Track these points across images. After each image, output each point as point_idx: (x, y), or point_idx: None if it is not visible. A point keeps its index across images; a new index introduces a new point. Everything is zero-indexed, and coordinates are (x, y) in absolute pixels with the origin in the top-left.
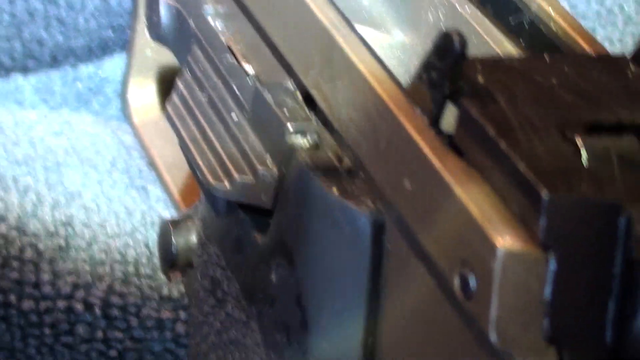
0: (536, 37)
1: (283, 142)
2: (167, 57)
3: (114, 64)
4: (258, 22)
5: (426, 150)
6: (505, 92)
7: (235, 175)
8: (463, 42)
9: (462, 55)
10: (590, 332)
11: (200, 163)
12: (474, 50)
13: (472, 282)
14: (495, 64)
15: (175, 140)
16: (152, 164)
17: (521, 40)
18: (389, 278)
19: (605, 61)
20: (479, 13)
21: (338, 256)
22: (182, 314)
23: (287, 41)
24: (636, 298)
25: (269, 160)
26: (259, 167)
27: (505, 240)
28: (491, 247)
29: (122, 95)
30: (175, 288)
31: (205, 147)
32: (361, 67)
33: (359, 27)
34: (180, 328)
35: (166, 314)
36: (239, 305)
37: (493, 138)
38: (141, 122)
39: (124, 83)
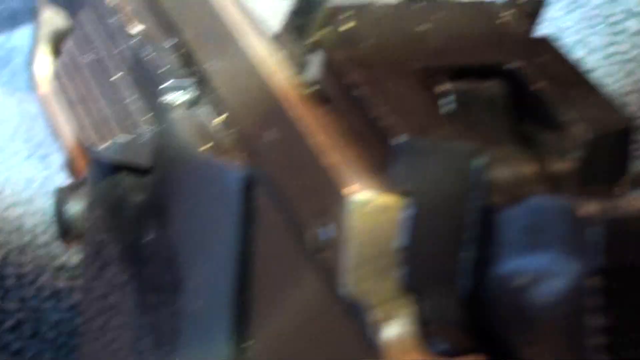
0: None
1: (161, 100)
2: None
3: (22, 35)
4: None
5: (286, 99)
6: (370, 38)
7: (115, 134)
8: None
9: (325, 1)
10: (447, 279)
11: (84, 122)
12: None
13: (327, 232)
14: (362, 11)
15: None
16: (55, 134)
17: None
18: (259, 233)
19: (478, 7)
20: None
21: (210, 214)
22: (78, 283)
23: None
24: (490, 245)
25: (148, 119)
26: (137, 126)
27: (357, 188)
28: (343, 195)
29: (29, 65)
30: (71, 257)
31: (90, 106)
32: (228, 16)
33: None
34: (77, 297)
35: (62, 283)
36: (119, 268)
37: (351, 85)
38: (46, 91)
39: (31, 53)
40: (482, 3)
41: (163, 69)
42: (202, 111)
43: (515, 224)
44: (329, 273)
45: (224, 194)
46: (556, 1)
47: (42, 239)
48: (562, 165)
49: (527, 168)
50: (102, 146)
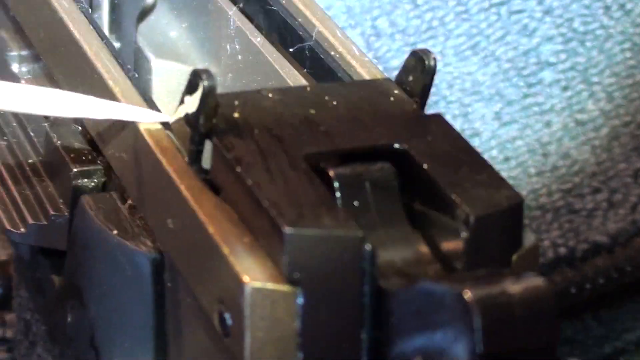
0: (316, 64)
1: (70, 185)
2: None
3: None
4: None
5: (182, 189)
6: (259, 126)
7: (29, 219)
8: (211, 79)
9: (210, 92)
10: None
11: None
12: (266, 80)
13: (228, 319)
14: (252, 99)
15: None
16: None
17: (305, 68)
18: (171, 314)
19: (371, 86)
20: (267, 43)
21: (124, 295)
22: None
23: (68, 82)
24: (387, 326)
25: (61, 204)
26: (51, 211)
27: (252, 276)
28: (239, 283)
29: None
30: (9, 330)
31: (2, 192)
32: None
33: (166, 63)
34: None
35: (0, 355)
36: (45, 346)
37: (241, 175)
38: None
39: None
40: (375, 81)
41: (71, 154)
42: (111, 196)
43: (406, 307)
44: (235, 356)
45: (135, 276)
46: (471, 55)
47: None
48: (451, 245)
49: (418, 249)
50: (19, 232)
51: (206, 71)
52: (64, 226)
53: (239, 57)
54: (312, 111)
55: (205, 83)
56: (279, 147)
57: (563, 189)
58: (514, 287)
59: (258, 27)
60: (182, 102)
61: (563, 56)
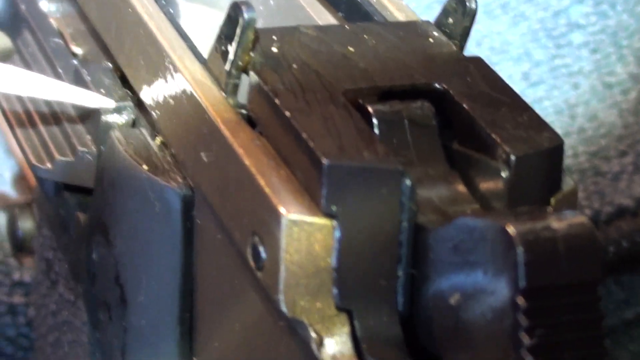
0: (352, 8)
1: (100, 121)
2: None
3: None
4: (82, 8)
5: (219, 121)
6: (297, 61)
7: (57, 155)
8: (251, 11)
9: (250, 24)
10: (382, 298)
11: (25, 145)
12: (295, 22)
13: (263, 252)
14: (290, 34)
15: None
16: (10, 151)
17: (340, 12)
18: (200, 252)
19: (409, 28)
20: None
21: (151, 232)
22: (33, 299)
23: (102, 22)
24: (424, 263)
25: (89, 140)
26: (79, 147)
27: (288, 208)
28: (276, 215)
29: None
30: (27, 273)
31: (30, 129)
32: (163, 42)
33: (194, 6)
34: (32, 312)
35: (18, 299)
36: (68, 285)
37: (280, 108)
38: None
39: None
40: (413, 23)
41: (102, 90)
42: (141, 132)
43: (445, 244)
44: (268, 290)
45: (164, 212)
46: (500, 14)
47: None
48: (490, 184)
49: (456, 188)
50: (45, 167)
51: (246, 2)
52: (91, 162)
53: (271, 2)
54: (351, 49)
55: (246, 15)
56: (318, 82)
57: (589, 151)
58: (557, 223)
59: None
60: (220, 36)
61: (593, 19)
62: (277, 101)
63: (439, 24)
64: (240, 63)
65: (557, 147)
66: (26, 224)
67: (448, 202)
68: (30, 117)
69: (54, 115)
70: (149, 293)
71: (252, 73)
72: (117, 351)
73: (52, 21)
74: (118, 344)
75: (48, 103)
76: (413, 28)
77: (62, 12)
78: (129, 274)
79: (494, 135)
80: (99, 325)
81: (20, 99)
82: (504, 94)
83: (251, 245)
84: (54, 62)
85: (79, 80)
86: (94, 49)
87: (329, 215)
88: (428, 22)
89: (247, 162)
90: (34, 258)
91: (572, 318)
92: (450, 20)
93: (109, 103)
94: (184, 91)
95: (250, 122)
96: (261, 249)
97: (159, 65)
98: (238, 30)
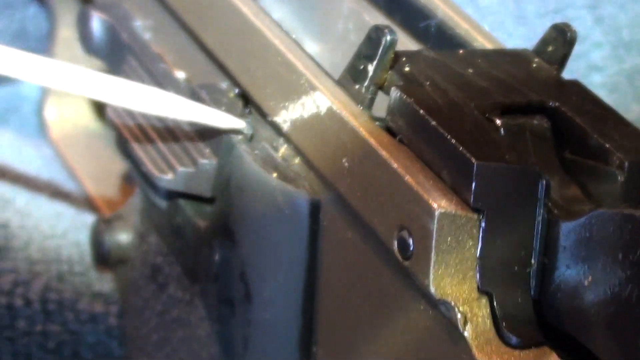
0: (444, 40)
1: (221, 136)
2: None
3: (29, 85)
4: (193, 31)
5: (362, 131)
6: (428, 79)
7: (178, 166)
8: (393, 33)
9: (392, 45)
10: (518, 283)
11: (144, 158)
12: None
13: (410, 244)
14: (417, 57)
15: (92, 152)
16: (72, 175)
17: (428, 44)
18: (324, 251)
19: (512, 54)
20: (386, 20)
21: (278, 233)
22: (113, 308)
23: (223, 45)
24: (555, 253)
25: (208, 153)
26: (199, 159)
27: (441, 204)
28: (429, 210)
29: (40, 112)
30: (106, 284)
31: (147, 144)
32: (297, 63)
33: None
34: (112, 321)
35: (99, 308)
36: (181, 286)
37: (424, 117)
38: (59, 136)
39: (42, 101)
40: (515, 50)
41: (222, 108)
42: (262, 145)
43: (577, 235)
44: (411, 278)
45: (292, 215)
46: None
47: (78, 268)
48: (605, 188)
49: (574, 191)
50: (167, 177)
51: (388, 26)
52: (210, 173)
53: (352, 36)
54: (470, 70)
55: (388, 37)
56: (449, 98)
57: None
58: None
59: (377, 8)
60: (358, 55)
61: (610, 62)
62: (422, 112)
63: (538, 51)
64: (378, 80)
65: None
66: (110, 238)
67: (569, 202)
68: (147, 133)
69: (170, 130)
70: (273, 288)
71: (393, 88)
72: (240, 343)
73: (152, 47)
74: (240, 336)
75: (162, 119)
76: (516, 54)
77: (158, 39)
78: (254, 271)
79: (607, 144)
80: (221, 320)
81: (135, 114)
82: (607, 111)
83: (398, 238)
84: (162, 84)
85: (196, 99)
86: (200, 71)
87: (476, 209)
88: (528, 50)
89: (394, 164)
90: (130, 266)
91: None
92: (550, 48)
93: (241, 124)
94: (322, 106)
95: (389, 132)
96: (410, 241)
97: (292, 83)
98: (379, 50)
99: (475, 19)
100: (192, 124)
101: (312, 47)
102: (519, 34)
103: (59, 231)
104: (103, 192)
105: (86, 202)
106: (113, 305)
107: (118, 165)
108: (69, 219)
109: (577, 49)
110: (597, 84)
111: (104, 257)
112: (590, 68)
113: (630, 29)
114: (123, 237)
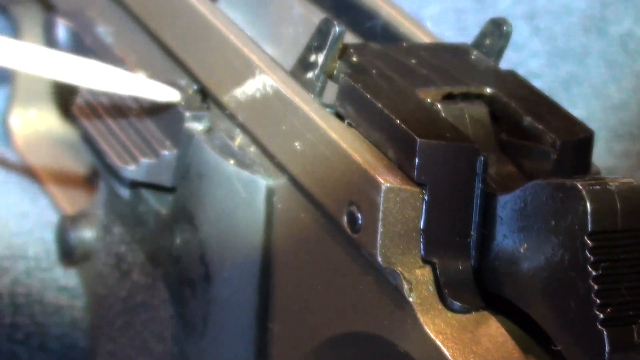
0: (390, 40)
1: (182, 128)
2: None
3: None
4: (152, 32)
5: (314, 116)
6: (375, 68)
7: (140, 157)
8: (341, 26)
9: (341, 36)
10: (459, 253)
11: (108, 150)
12: None
13: (359, 217)
14: (363, 49)
15: (56, 156)
16: (37, 179)
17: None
18: (279, 231)
19: (452, 47)
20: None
21: (235, 217)
22: (78, 302)
23: (182, 44)
24: (493, 224)
25: (168, 144)
26: (161, 150)
27: (387, 179)
28: (377, 185)
29: (4, 122)
30: (70, 280)
31: (110, 137)
32: (252, 56)
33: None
34: (77, 314)
35: (64, 302)
36: (144, 271)
37: (371, 101)
38: (24, 143)
39: (6, 111)
40: (455, 44)
41: (182, 103)
42: (219, 136)
43: (512, 206)
44: (363, 248)
45: (249, 199)
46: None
47: (44, 264)
48: (538, 165)
49: (510, 168)
50: (130, 168)
51: (337, 19)
52: (171, 163)
53: (302, 39)
54: (413, 60)
55: (337, 29)
56: (394, 84)
57: None
58: (612, 182)
59: (325, 11)
60: (309, 47)
61: (547, 69)
62: (368, 96)
63: (476, 44)
64: (327, 69)
65: (589, 135)
66: (76, 234)
67: (506, 178)
68: (110, 128)
69: (132, 124)
70: (232, 268)
71: (342, 75)
72: (200, 322)
73: (114, 50)
74: (201, 315)
75: (125, 112)
76: (456, 48)
77: (119, 42)
78: (214, 253)
79: (541, 126)
80: (182, 301)
81: (99, 107)
82: (540, 97)
83: (347, 213)
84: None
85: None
86: (160, 70)
87: (420, 184)
88: (466, 44)
89: (343, 145)
90: (95, 258)
91: (628, 256)
92: (488, 41)
93: (175, 95)
94: (275, 95)
95: (338, 117)
96: (358, 215)
97: (247, 75)
98: (329, 41)
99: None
100: (154, 118)
101: (265, 51)
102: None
103: (25, 229)
104: (66, 193)
105: (50, 203)
106: (77, 298)
107: (80, 168)
108: (35, 218)
109: (515, 57)
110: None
111: (69, 252)
112: (528, 75)
113: (565, 39)
114: (87, 233)
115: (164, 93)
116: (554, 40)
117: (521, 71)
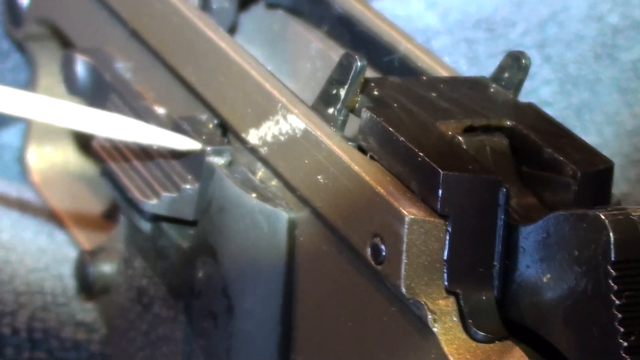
0: (406, 72)
1: (203, 162)
2: None
3: (10, 133)
4: (172, 68)
5: (337, 149)
6: (396, 101)
7: (162, 192)
8: (363, 60)
9: (362, 70)
10: (482, 283)
11: (129, 185)
12: None
13: (383, 249)
14: (384, 82)
15: (73, 192)
16: (53, 215)
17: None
18: (301, 264)
19: (471, 80)
20: None
21: (257, 250)
22: (95, 336)
23: (203, 79)
24: (515, 255)
25: (189, 178)
26: (182, 184)
27: (411, 211)
28: (400, 217)
29: (22, 159)
30: (88, 314)
31: (131, 172)
32: (274, 92)
33: None
34: (94, 347)
35: (81, 336)
36: (166, 304)
37: (393, 134)
38: (40, 180)
39: (23, 147)
40: (474, 77)
41: (203, 137)
42: (241, 170)
43: (535, 237)
44: (387, 280)
45: (271, 232)
46: None
47: (61, 299)
48: (559, 197)
49: (531, 199)
50: (152, 202)
51: (358, 54)
52: (192, 197)
53: (320, 74)
54: (433, 94)
55: (359, 63)
56: (416, 117)
57: None
58: (633, 212)
59: (343, 46)
60: (331, 81)
61: (559, 97)
62: (391, 129)
63: (495, 78)
64: (349, 102)
65: (609, 167)
66: (95, 268)
67: (527, 209)
68: (131, 162)
69: (153, 159)
70: (254, 301)
71: (364, 109)
72: (222, 354)
73: (133, 86)
74: (223, 348)
75: (146, 147)
76: (475, 81)
77: (138, 78)
78: (236, 286)
79: (561, 157)
80: (204, 334)
81: (119, 142)
82: (559, 129)
83: (371, 245)
84: (145, 119)
85: (178, 130)
86: (179, 105)
87: (443, 215)
88: (485, 77)
89: (367, 177)
90: (115, 292)
91: None
92: (506, 74)
93: (196, 145)
94: (298, 129)
95: (360, 150)
96: (382, 247)
97: (269, 109)
98: (351, 75)
99: None
100: (174, 153)
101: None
102: (472, 73)
103: (42, 265)
104: (84, 228)
105: (67, 239)
106: (95, 333)
107: (97, 204)
108: (51, 254)
109: (527, 85)
110: None
111: (88, 287)
112: (541, 103)
113: (576, 66)
114: (106, 267)
115: (185, 143)
116: (565, 67)
117: (533, 99)
